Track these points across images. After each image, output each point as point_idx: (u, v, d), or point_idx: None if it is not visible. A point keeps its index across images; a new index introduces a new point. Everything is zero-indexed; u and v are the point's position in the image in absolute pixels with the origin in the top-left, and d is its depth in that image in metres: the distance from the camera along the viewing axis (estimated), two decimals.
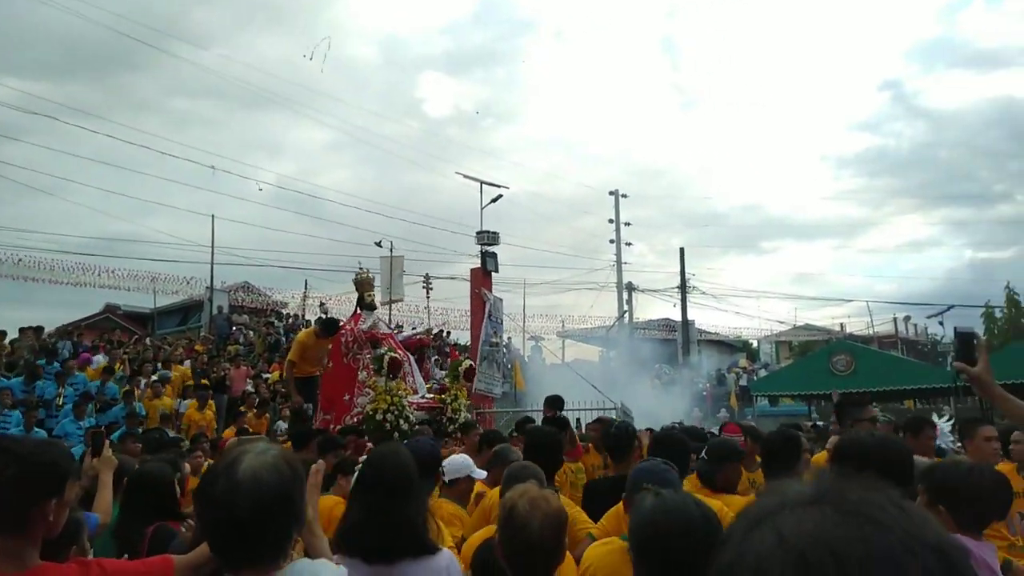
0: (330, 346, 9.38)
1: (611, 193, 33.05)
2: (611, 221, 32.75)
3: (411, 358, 9.39)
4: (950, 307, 30.95)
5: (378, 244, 27.55)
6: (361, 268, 9.63)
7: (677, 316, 33.63)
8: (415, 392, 8.90)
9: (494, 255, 16.43)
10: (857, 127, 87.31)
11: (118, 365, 13.23)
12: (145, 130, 55.30)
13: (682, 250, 32.60)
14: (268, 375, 16.47)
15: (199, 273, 26.93)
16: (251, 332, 22.42)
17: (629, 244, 33.31)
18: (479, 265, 16.32)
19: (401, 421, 7.91)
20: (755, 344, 43.82)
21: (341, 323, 9.65)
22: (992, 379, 2.28)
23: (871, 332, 38.83)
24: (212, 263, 26.60)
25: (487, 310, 15.94)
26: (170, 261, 34.81)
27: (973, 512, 2.24)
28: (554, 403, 7.80)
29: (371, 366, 8.36)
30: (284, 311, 27.37)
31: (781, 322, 40.62)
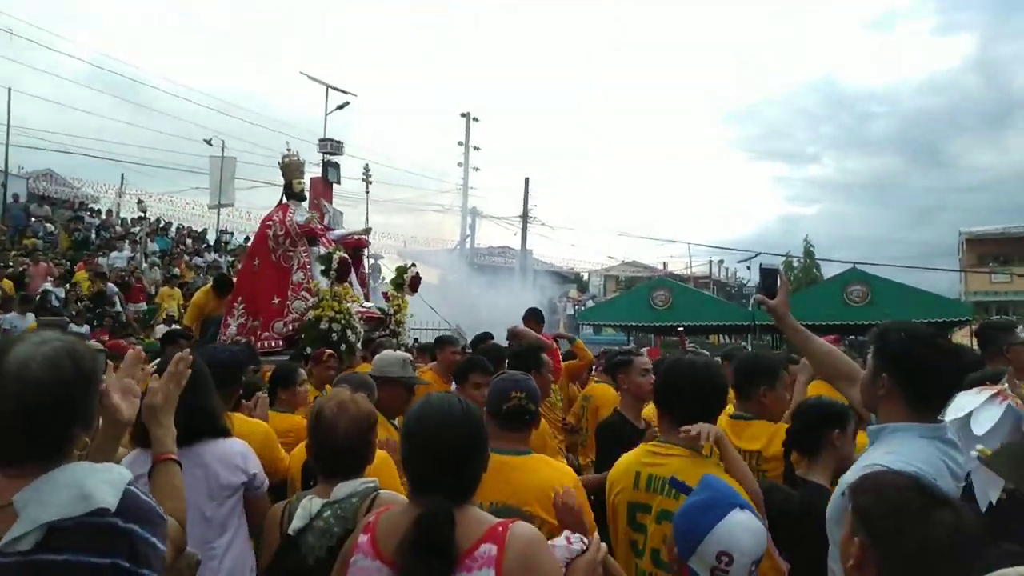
0: (229, 297, 8.02)
1: (463, 115, 32.61)
2: (460, 144, 32.43)
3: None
4: (757, 254, 34.06)
5: (208, 142, 25.50)
6: (289, 150, 8.40)
7: (517, 245, 34.36)
8: (357, 300, 7.76)
9: (336, 165, 15.76)
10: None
11: None
12: None
13: (527, 180, 33.10)
14: (77, 275, 14.90)
15: None
16: (53, 225, 20.08)
17: (477, 169, 33.26)
18: (319, 175, 15.59)
19: (349, 332, 6.93)
20: (586, 277, 46.04)
21: (235, 280, 8.40)
22: (788, 312, 2.55)
23: (689, 272, 42.03)
24: (7, 143, 23.31)
25: (326, 223, 15.36)
26: None
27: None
28: (538, 316, 7.04)
29: (308, 265, 7.34)
30: (95, 206, 24.69)
31: (611, 257, 42.87)
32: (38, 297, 12.46)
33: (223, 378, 2.85)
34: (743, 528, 1.65)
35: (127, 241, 18.97)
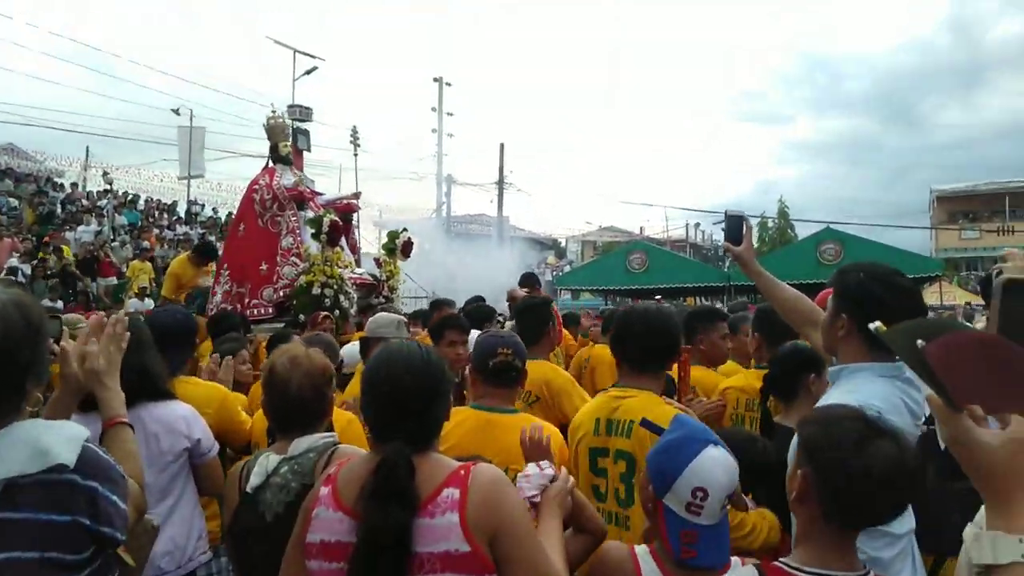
0: (207, 270, 7.81)
1: (435, 80, 32.12)
2: (433, 110, 32.01)
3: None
4: (728, 214, 34.33)
5: (175, 112, 24.94)
6: (274, 111, 8.06)
7: (494, 212, 34.21)
8: (349, 266, 7.56)
9: (306, 132, 15.42)
10: None
11: None
12: None
13: (502, 145, 32.83)
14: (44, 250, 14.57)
15: None
16: (16, 200, 19.57)
17: (451, 135, 32.88)
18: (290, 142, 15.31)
19: (342, 297, 6.68)
20: (563, 243, 46.06)
21: (217, 247, 8.14)
22: (752, 257, 2.56)
23: (666, 236, 42.21)
24: None
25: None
26: None
27: None
28: (533, 280, 6.79)
29: (297, 230, 7.07)
30: (59, 180, 24.09)
31: (588, 222, 42.88)
32: (4, 273, 12.18)
33: (171, 342, 2.78)
34: (717, 463, 1.66)
35: (93, 215, 18.57)
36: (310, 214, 7.36)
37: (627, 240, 38.03)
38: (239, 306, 6.87)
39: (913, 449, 1.44)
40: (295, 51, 18.25)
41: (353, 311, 6.86)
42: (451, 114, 32.40)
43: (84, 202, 20.67)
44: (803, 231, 33.16)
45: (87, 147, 26.79)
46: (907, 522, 1.81)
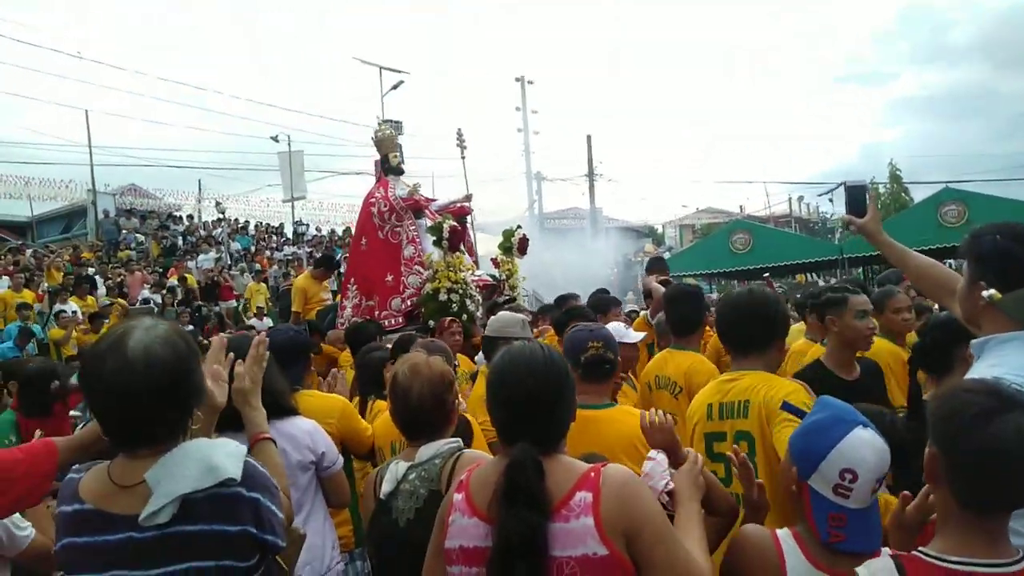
0: (327, 282, 8.03)
1: (517, 80, 32.25)
2: (518, 109, 32.14)
3: None
4: (840, 184, 32.56)
5: (275, 139, 26.20)
6: (381, 123, 8.35)
7: (586, 204, 33.99)
8: (471, 269, 7.49)
9: (399, 146, 15.86)
10: None
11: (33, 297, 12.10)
12: None
13: (589, 137, 32.59)
14: (170, 280, 15.68)
15: (78, 175, 24.91)
16: (142, 236, 21.18)
17: (537, 133, 32.93)
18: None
19: (467, 301, 6.69)
20: (660, 229, 45.15)
21: (337, 257, 8.42)
22: (880, 228, 2.39)
23: (768, 212, 40.60)
24: (91, 164, 24.65)
25: None
26: (44, 164, 31.99)
27: None
28: (661, 264, 6.42)
29: (417, 239, 7.13)
30: (178, 214, 25.90)
31: (684, 206, 41.86)
32: (139, 303, 13.22)
33: (287, 358, 2.85)
34: (867, 445, 1.57)
35: (212, 244, 19.81)
36: (427, 222, 7.42)
37: (727, 221, 36.88)
38: (370, 318, 6.93)
39: None
40: (380, 68, 18.78)
41: (479, 313, 6.86)
42: (535, 112, 32.46)
43: (201, 232, 22.10)
44: (919, 195, 31.06)
45: (199, 180, 28.64)
46: None
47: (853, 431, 1.58)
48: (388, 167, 7.84)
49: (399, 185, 7.71)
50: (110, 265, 16.78)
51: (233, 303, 15.72)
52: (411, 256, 7.19)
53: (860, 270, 21.51)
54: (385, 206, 7.41)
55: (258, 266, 18.98)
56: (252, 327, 10.18)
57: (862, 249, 17.76)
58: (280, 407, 2.55)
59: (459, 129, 9.15)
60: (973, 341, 1.93)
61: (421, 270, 7.03)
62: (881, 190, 39.25)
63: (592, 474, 1.54)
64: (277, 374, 2.61)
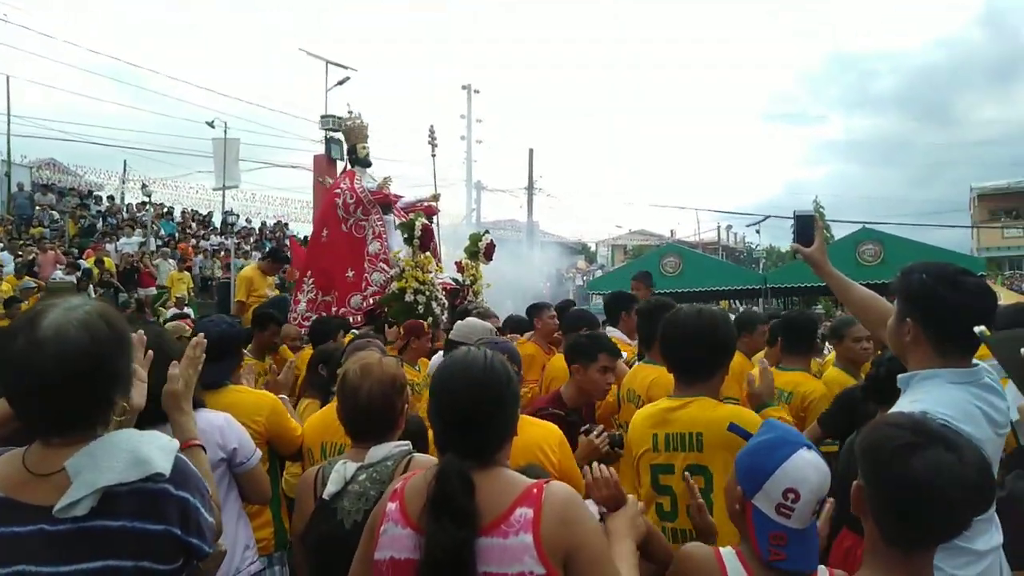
0: (276, 276, 7.53)
1: (464, 88, 32.25)
2: (462, 117, 32.11)
3: None
4: (766, 217, 33.91)
5: (210, 124, 25.35)
6: (351, 112, 7.60)
7: (523, 217, 34.19)
8: (442, 270, 7.21)
9: (339, 142, 15.60)
10: None
11: None
12: None
13: (531, 151, 32.86)
14: (83, 262, 14.90)
15: None
16: (58, 214, 20.09)
17: (480, 142, 32.96)
18: (323, 152, 15.45)
19: (433, 304, 6.38)
20: (593, 247, 45.87)
21: (288, 252, 7.92)
22: (826, 258, 2.41)
23: (698, 239, 41.78)
24: (8, 133, 23.29)
25: None
26: None
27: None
28: (646, 278, 6.40)
29: (384, 235, 6.78)
30: (99, 193, 24.67)
31: (619, 226, 42.62)
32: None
33: (218, 351, 2.66)
34: (811, 466, 1.61)
35: (135, 227, 18.97)
36: (394, 218, 7.09)
37: (658, 244, 37.73)
38: (326, 315, 6.60)
39: (977, 459, 1.35)
40: (327, 62, 18.43)
41: (444, 317, 6.54)
42: (480, 121, 32.51)
43: (124, 214, 21.14)
44: (838, 232, 32.61)
45: (124, 161, 27.39)
46: (993, 538, 1.73)
47: (797, 452, 1.62)
48: (355, 158, 7.50)
49: (365, 178, 7.38)
50: (20, 242, 15.82)
51: (153, 290, 15.08)
52: (376, 252, 6.83)
53: (781, 300, 22.39)
54: (351, 198, 7.05)
55: (181, 254, 18.28)
56: (187, 315, 9.67)
57: (784, 280, 18.52)
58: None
59: (431, 126, 8.85)
60: (899, 376, 1.99)
61: (386, 268, 6.73)
62: None
63: (535, 490, 1.50)
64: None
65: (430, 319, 6.14)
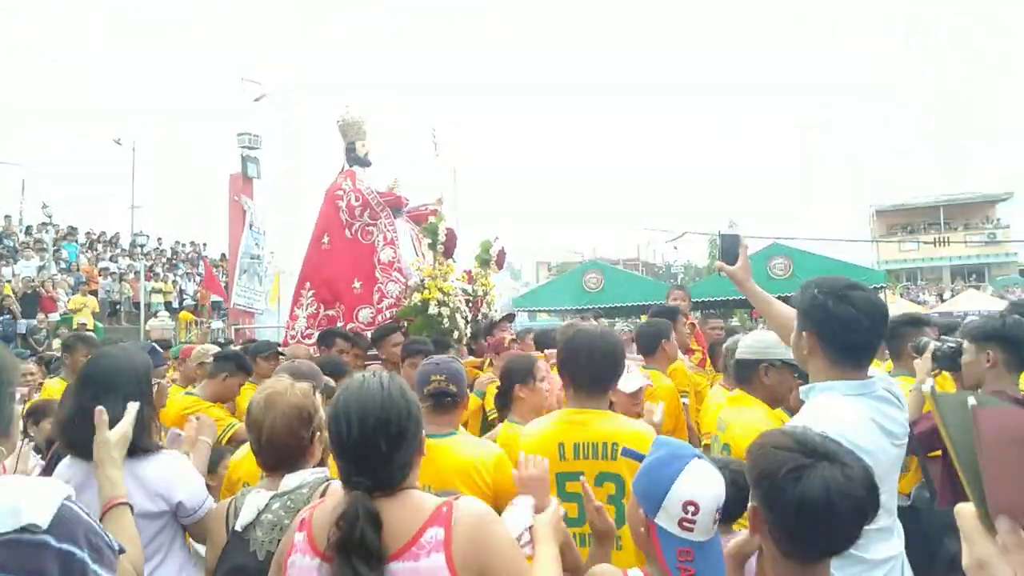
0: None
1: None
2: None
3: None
4: (683, 233, 34.98)
5: (117, 142, 24.27)
6: (347, 107, 6.89)
7: None
8: (464, 279, 6.54)
9: (256, 160, 15.23)
10: None
11: None
12: None
13: (454, 169, 32.87)
14: None
15: None
16: None
17: None
18: (239, 170, 15.03)
19: (457, 316, 5.70)
20: (518, 265, 46.23)
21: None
22: (749, 275, 2.53)
23: (618, 256, 42.73)
24: None
25: (247, 220, 14.84)
26: None
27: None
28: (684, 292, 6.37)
29: (396, 241, 6.11)
30: None
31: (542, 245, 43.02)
32: None
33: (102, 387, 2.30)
34: (704, 475, 1.64)
35: (34, 249, 17.89)
36: (405, 222, 6.56)
37: (580, 260, 38.36)
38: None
39: (862, 472, 1.39)
40: (243, 79, 17.95)
41: (468, 332, 6.01)
42: None
43: (21, 236, 19.92)
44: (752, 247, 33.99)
45: (23, 180, 25.87)
46: (888, 547, 1.78)
47: (689, 464, 1.64)
48: (354, 156, 6.80)
49: (364, 177, 6.72)
50: None
51: (56, 316, 14.24)
52: (389, 260, 6.12)
53: (699, 313, 23.04)
54: (357, 199, 6.31)
55: (85, 277, 17.35)
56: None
57: (703, 294, 19.15)
58: (134, 446, 2.13)
59: (433, 129, 8.38)
60: (801, 388, 2.07)
61: (400, 277, 6.06)
62: (717, 242, 42.54)
63: (444, 509, 1.49)
64: (124, 402, 2.19)
65: (455, 334, 5.72)
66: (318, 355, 4.85)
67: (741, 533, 2.05)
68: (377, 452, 1.50)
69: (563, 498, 2.37)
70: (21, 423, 2.77)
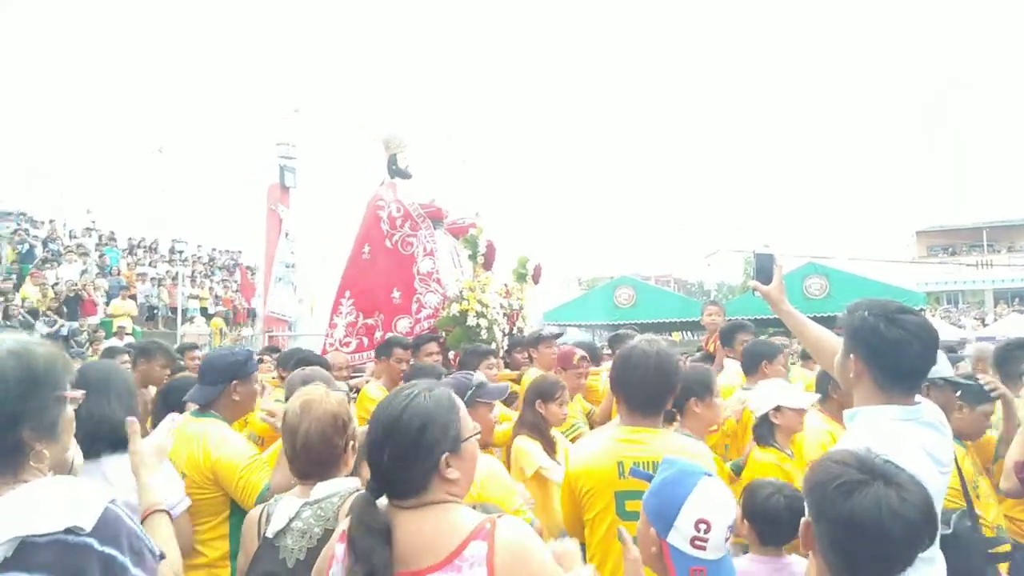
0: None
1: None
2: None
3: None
4: (717, 251, 34.69)
5: (160, 151, 24.88)
6: (388, 120, 7.07)
7: None
8: (501, 292, 6.60)
9: (293, 169, 15.45)
10: None
11: None
12: None
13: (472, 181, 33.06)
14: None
15: None
16: None
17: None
18: (277, 180, 15.26)
19: (495, 328, 5.76)
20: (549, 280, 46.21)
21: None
22: (783, 296, 2.48)
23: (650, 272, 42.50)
24: None
25: (283, 228, 15.04)
26: None
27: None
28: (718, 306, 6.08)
29: (435, 252, 6.19)
30: (39, 219, 23.83)
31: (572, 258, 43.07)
32: None
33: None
34: (716, 493, 1.63)
35: (77, 253, 18.36)
36: (445, 235, 6.65)
37: (611, 275, 38.20)
38: (368, 340, 6.12)
39: (920, 495, 1.35)
40: (277, 91, 18.29)
41: (505, 345, 6.03)
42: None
43: (66, 241, 20.46)
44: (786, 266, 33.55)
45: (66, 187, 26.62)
46: (935, 574, 1.74)
47: (700, 482, 1.63)
48: (395, 169, 6.85)
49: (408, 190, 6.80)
50: None
51: (96, 319, 14.58)
52: (429, 271, 6.22)
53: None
54: (398, 211, 6.44)
55: (125, 282, 17.74)
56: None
57: (735, 313, 18.92)
58: (116, 440, 2.18)
59: (450, 134, 8.25)
60: (845, 412, 2.01)
61: (439, 288, 6.15)
62: (751, 259, 42.10)
63: (488, 525, 1.50)
64: (126, 403, 2.32)
65: (493, 346, 5.69)
66: (413, 362, 4.85)
67: (792, 556, 2.00)
68: (395, 469, 1.54)
69: (622, 517, 2.37)
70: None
